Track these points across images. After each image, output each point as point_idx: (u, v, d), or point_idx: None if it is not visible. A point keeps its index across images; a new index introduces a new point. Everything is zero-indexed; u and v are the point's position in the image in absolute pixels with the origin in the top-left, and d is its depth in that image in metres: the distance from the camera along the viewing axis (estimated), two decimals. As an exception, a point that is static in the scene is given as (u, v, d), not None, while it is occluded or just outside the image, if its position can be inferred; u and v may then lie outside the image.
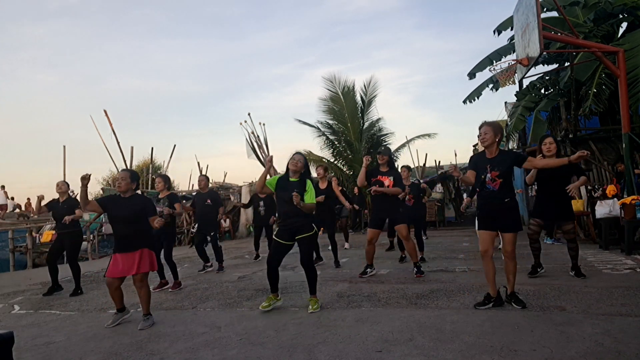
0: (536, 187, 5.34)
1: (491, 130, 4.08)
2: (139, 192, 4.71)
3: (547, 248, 7.63)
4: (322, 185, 7.45)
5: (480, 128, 4.16)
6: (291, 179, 4.46)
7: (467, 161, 4.56)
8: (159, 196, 6.31)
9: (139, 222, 4.29)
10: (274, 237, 4.56)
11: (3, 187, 19.93)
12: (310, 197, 4.38)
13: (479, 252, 4.20)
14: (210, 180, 20.84)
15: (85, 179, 4.25)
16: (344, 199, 7.58)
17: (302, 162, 4.49)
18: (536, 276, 5.28)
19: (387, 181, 5.75)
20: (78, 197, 4.84)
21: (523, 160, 4.17)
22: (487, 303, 4.06)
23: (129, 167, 20.39)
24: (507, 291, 4.12)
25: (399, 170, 7.33)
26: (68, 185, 6.54)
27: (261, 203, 8.39)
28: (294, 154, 4.55)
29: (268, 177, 4.50)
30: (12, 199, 20.25)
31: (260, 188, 4.55)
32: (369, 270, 6.01)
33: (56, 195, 6.47)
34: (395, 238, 8.28)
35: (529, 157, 4.23)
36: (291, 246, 4.50)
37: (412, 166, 23.41)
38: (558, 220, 5.32)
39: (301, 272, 6.61)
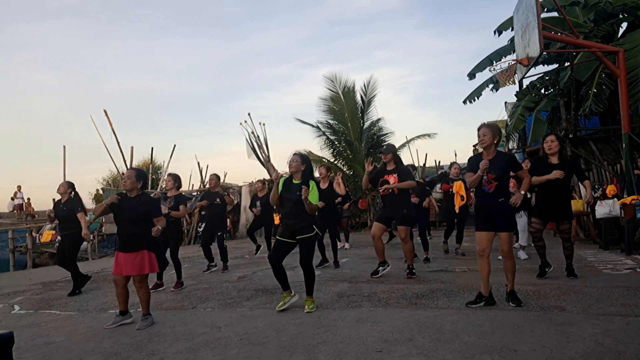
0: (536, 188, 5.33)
1: (490, 132, 4.13)
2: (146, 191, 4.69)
3: (547, 247, 7.61)
4: (323, 185, 7.37)
5: (479, 130, 4.19)
6: (294, 181, 4.47)
7: (466, 161, 4.57)
8: (168, 194, 6.31)
9: (143, 223, 4.23)
10: (277, 237, 4.58)
11: (19, 187, 20.09)
12: (313, 198, 4.35)
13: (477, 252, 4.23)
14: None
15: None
16: (343, 190, 7.37)
17: (297, 161, 4.43)
18: (545, 277, 5.20)
19: (392, 179, 5.64)
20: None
21: (516, 170, 4.22)
22: (479, 302, 4.13)
23: (129, 167, 20.35)
24: (507, 289, 4.16)
25: None
26: (69, 186, 6.44)
27: (257, 203, 8.46)
28: (291, 155, 4.53)
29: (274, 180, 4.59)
30: (12, 198, 20.29)
31: (275, 203, 4.61)
32: (380, 268, 5.85)
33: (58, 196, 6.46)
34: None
35: (523, 170, 4.19)
36: (293, 245, 4.49)
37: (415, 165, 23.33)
38: (557, 220, 5.30)
39: (301, 272, 6.62)
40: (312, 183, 4.40)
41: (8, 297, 6.43)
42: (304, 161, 4.46)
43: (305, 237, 4.39)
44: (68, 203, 6.29)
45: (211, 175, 7.91)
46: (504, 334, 3.30)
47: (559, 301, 4.12)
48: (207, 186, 8.06)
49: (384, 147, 5.97)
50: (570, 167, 5.14)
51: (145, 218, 4.26)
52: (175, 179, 6.44)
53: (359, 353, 3.11)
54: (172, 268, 6.23)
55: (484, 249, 4.12)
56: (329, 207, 7.26)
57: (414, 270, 5.80)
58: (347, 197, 8.72)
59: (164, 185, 6.55)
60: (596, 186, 8.82)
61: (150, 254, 4.30)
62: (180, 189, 6.44)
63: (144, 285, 4.33)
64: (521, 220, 6.58)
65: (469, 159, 4.44)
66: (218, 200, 7.33)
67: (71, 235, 6.33)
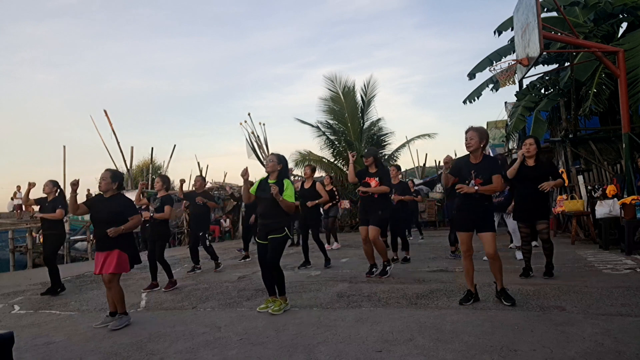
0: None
1: (477, 135, 4.14)
2: (123, 192, 4.72)
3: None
4: (307, 185, 7.37)
5: (466, 133, 4.20)
6: (270, 181, 4.51)
7: None
8: (157, 195, 6.33)
9: (116, 223, 4.21)
10: (256, 239, 4.62)
11: (19, 187, 20.10)
12: (289, 196, 4.37)
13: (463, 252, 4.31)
14: (210, 180, 20.89)
15: (75, 185, 4.41)
16: (325, 197, 7.28)
17: (273, 161, 4.51)
18: (529, 277, 5.26)
19: (374, 182, 5.73)
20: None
21: (493, 172, 4.11)
22: (470, 299, 4.22)
23: (129, 167, 20.38)
24: (497, 287, 4.19)
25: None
26: (54, 184, 6.47)
27: (243, 204, 8.57)
28: (269, 156, 4.64)
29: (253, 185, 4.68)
30: (12, 199, 20.28)
31: (247, 199, 4.74)
32: (374, 270, 5.99)
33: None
34: (387, 237, 8.25)
35: (497, 177, 4.11)
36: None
37: (412, 166, 23.37)
38: (533, 220, 5.18)
39: (301, 272, 6.62)
40: (286, 181, 4.45)
41: (8, 297, 6.42)
42: (280, 161, 4.54)
43: (275, 237, 4.39)
44: (53, 202, 6.33)
45: (197, 176, 8.23)
46: (504, 334, 3.30)
47: (559, 301, 4.12)
48: (193, 188, 8.22)
49: (366, 149, 6.01)
50: (545, 171, 5.14)
51: (117, 218, 4.24)
52: (164, 181, 6.46)
53: (359, 353, 3.11)
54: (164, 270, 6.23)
55: (468, 249, 4.24)
56: (311, 208, 7.23)
57: (387, 269, 5.84)
58: (332, 196, 8.57)
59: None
60: (596, 186, 8.83)
61: (122, 253, 4.26)
62: (169, 191, 6.47)
63: (114, 285, 4.27)
64: (511, 222, 6.61)
65: (455, 161, 4.46)
66: (200, 201, 7.34)
67: (53, 235, 6.37)
